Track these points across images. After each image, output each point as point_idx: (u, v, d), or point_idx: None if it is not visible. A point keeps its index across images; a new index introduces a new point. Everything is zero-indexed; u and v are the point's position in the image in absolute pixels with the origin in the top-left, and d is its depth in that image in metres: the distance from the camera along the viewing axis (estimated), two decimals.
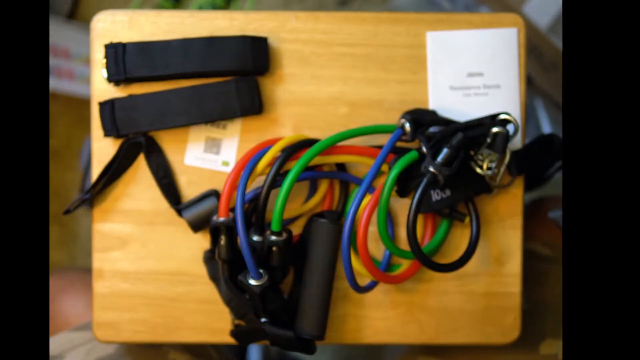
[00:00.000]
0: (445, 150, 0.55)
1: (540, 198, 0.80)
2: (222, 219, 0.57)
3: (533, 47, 1.08)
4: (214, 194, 0.61)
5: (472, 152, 0.58)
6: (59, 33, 1.16)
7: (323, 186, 0.62)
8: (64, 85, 1.19)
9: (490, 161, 0.58)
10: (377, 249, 0.63)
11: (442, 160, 0.55)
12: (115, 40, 0.61)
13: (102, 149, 0.62)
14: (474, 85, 0.62)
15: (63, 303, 0.77)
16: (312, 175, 0.60)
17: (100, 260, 0.63)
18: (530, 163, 0.62)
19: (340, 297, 0.63)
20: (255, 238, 0.58)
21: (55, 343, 0.67)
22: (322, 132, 0.62)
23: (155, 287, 0.63)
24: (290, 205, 0.62)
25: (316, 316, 0.60)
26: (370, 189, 0.58)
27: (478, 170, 0.58)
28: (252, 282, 0.56)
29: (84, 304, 0.77)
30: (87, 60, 1.18)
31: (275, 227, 0.57)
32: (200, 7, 1.24)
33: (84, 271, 0.81)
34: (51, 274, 0.80)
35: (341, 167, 0.62)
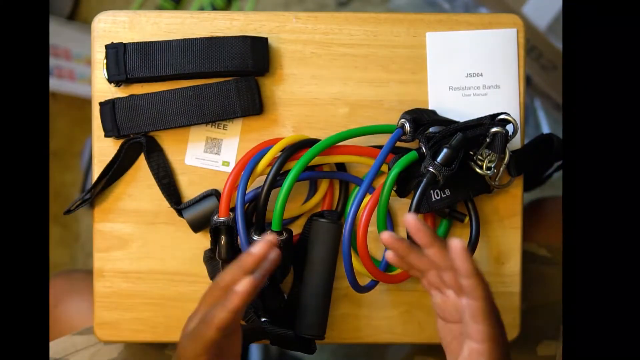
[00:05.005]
0: (444, 151, 0.55)
1: (538, 199, 0.80)
2: (222, 218, 0.57)
3: (532, 48, 1.08)
4: (214, 193, 0.61)
5: (471, 152, 0.58)
6: (59, 34, 1.16)
7: (323, 186, 0.62)
8: (65, 85, 1.19)
9: (490, 161, 0.58)
10: (377, 249, 0.63)
11: (442, 160, 0.55)
12: (116, 40, 0.61)
13: (103, 149, 0.62)
14: (474, 85, 0.62)
15: (66, 306, 0.76)
16: (312, 175, 0.60)
17: (101, 260, 0.63)
18: (530, 163, 0.62)
19: (341, 297, 0.63)
20: (256, 238, 0.58)
21: (59, 346, 0.67)
22: (322, 132, 0.62)
23: (156, 287, 0.63)
24: (290, 205, 0.62)
25: (316, 315, 0.60)
26: (370, 189, 0.58)
27: (478, 170, 0.58)
28: None
29: (87, 307, 0.76)
30: (87, 61, 1.18)
31: (275, 226, 0.57)
32: (201, 8, 1.24)
33: (87, 273, 0.80)
34: (54, 277, 0.79)
35: (341, 167, 0.62)
